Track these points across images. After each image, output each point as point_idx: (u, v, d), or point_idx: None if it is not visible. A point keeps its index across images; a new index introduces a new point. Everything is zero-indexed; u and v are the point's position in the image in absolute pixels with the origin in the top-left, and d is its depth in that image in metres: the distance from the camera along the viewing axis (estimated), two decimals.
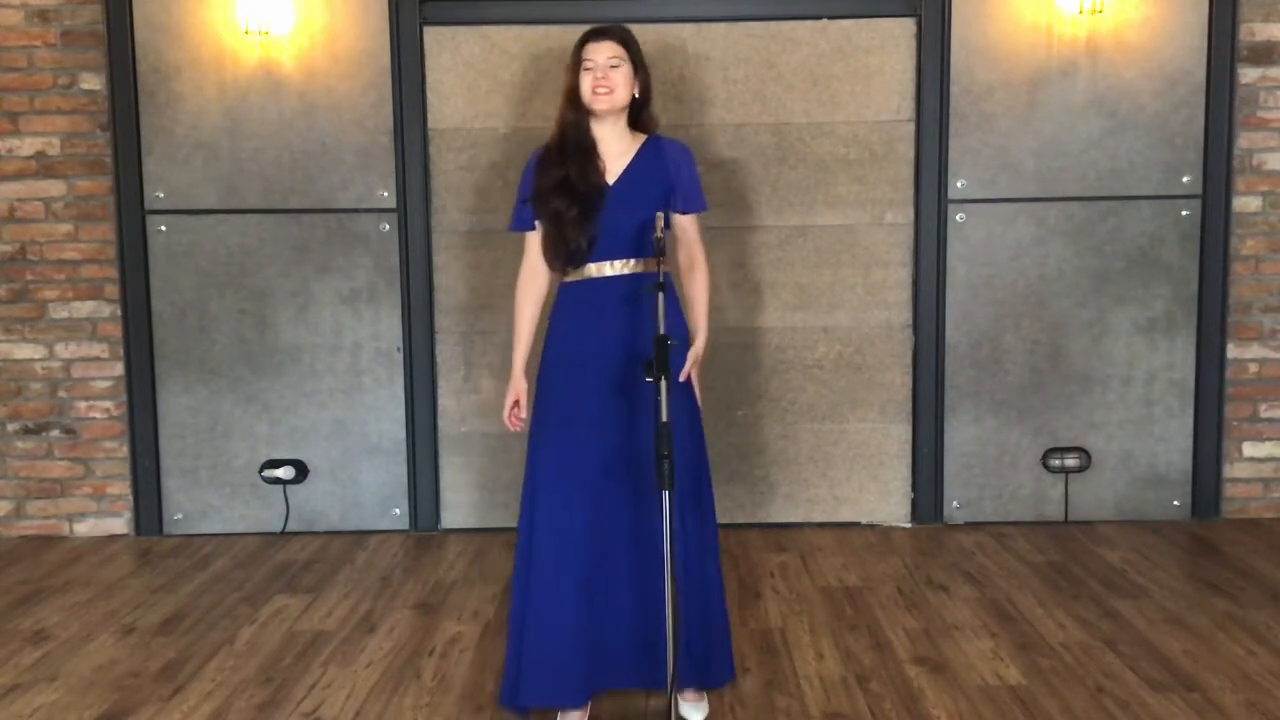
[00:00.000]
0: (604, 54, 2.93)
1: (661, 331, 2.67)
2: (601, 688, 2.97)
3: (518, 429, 3.08)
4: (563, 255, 2.96)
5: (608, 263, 2.93)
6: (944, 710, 3.03)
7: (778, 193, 4.60)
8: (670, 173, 3.00)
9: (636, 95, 2.99)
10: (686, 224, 3.06)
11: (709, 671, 3.01)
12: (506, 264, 4.65)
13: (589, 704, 2.98)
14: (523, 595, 2.91)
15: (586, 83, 2.93)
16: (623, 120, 3.00)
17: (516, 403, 3.07)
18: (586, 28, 4.47)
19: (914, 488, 4.75)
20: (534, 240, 3.05)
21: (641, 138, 3.03)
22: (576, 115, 2.96)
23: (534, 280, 3.08)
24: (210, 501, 4.75)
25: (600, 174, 2.95)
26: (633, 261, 2.95)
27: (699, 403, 3.03)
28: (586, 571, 2.86)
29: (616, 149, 2.99)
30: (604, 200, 2.92)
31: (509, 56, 4.59)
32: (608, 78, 2.92)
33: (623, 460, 2.88)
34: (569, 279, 3.01)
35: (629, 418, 2.90)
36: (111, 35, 4.52)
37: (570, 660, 2.87)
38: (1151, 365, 4.68)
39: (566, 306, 3.01)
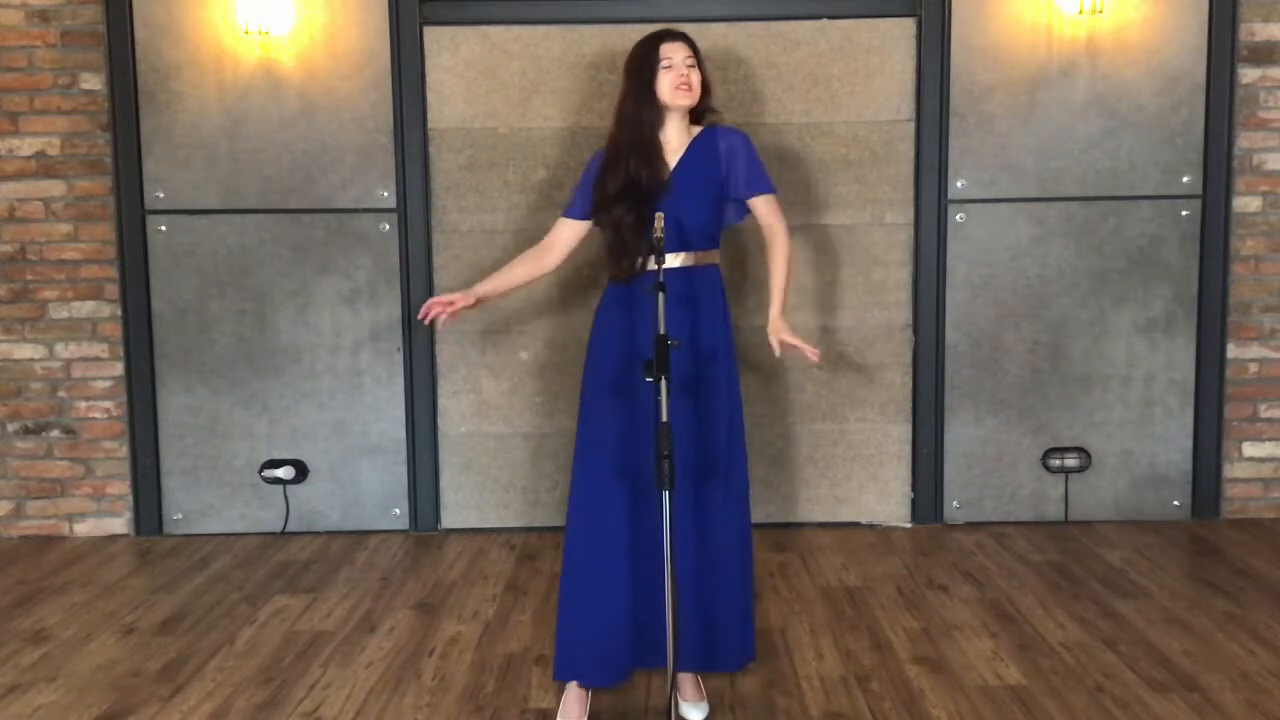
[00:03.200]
0: (682, 54, 3.02)
1: (662, 331, 2.67)
2: (643, 666, 3.02)
3: (425, 317, 3.19)
4: (624, 259, 2.99)
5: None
6: (944, 710, 3.03)
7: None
8: (723, 162, 3.05)
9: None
10: (761, 206, 3.12)
11: (745, 652, 3.08)
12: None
13: (589, 699, 2.99)
14: (568, 577, 2.99)
15: (667, 80, 3.00)
16: (686, 117, 3.08)
17: (451, 303, 3.16)
18: (588, 29, 4.55)
19: (914, 488, 4.75)
20: (565, 226, 3.16)
21: (697, 130, 3.09)
22: (654, 115, 3.01)
23: (541, 254, 3.21)
24: (210, 501, 4.75)
25: (668, 171, 3.01)
26: (683, 255, 2.99)
27: (739, 386, 3.11)
28: (636, 564, 2.91)
29: (675, 144, 3.05)
30: (660, 198, 2.96)
31: (509, 56, 4.59)
32: (688, 77, 3.00)
33: (686, 460, 2.90)
34: (626, 274, 3.02)
35: (688, 417, 2.93)
36: (111, 35, 4.53)
37: (609, 639, 2.93)
38: (1151, 365, 4.68)
39: (616, 311, 3.04)
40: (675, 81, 2.99)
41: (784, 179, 4.60)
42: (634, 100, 3.03)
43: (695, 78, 3.02)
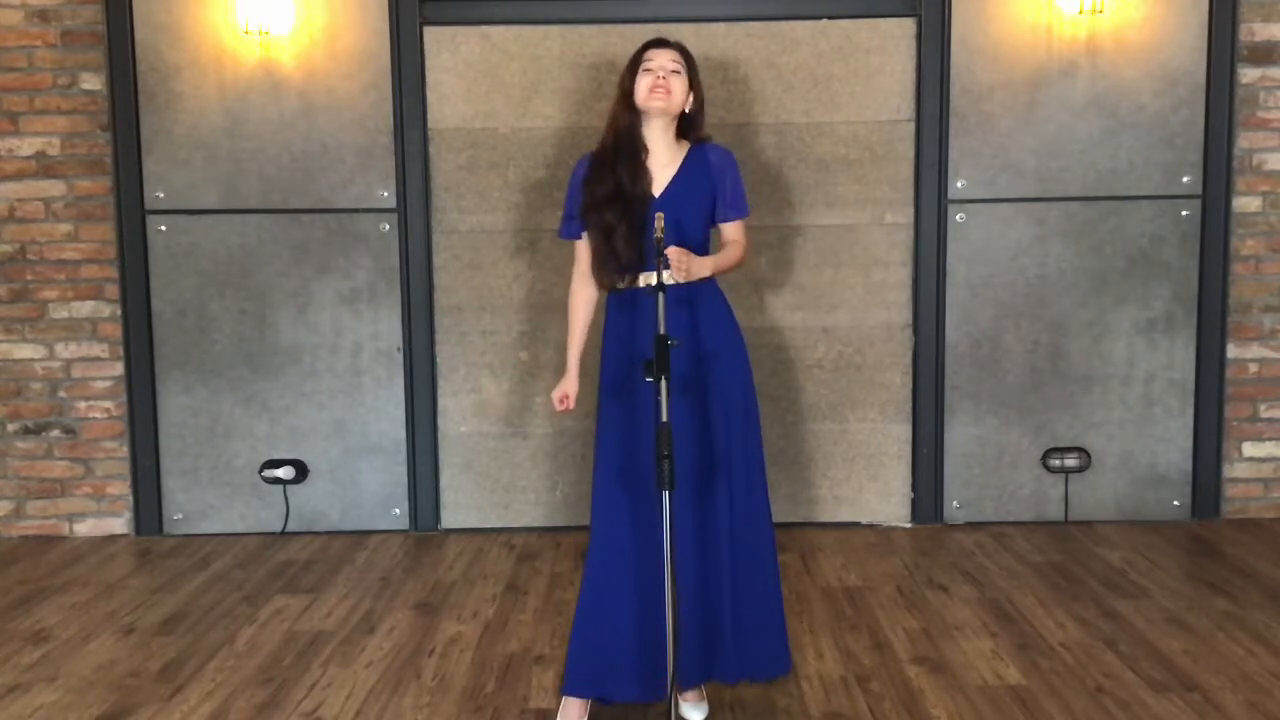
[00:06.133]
0: (665, 58, 2.98)
1: (662, 331, 2.67)
2: (663, 685, 2.79)
3: (560, 410, 3.16)
4: (614, 270, 2.96)
5: (652, 274, 2.88)
6: (944, 710, 3.03)
7: (778, 193, 4.60)
8: (714, 180, 3.03)
9: (688, 110, 3.02)
10: (732, 230, 3.07)
11: (775, 661, 3.05)
12: (506, 264, 4.66)
13: (589, 703, 2.99)
14: (585, 589, 2.96)
15: (644, 83, 2.96)
16: (672, 129, 3.03)
17: (566, 395, 3.13)
18: (588, 29, 4.56)
19: (914, 488, 4.75)
20: (583, 247, 3.06)
21: (687, 146, 3.05)
22: (631, 118, 2.98)
23: (586, 285, 3.10)
24: (210, 501, 4.75)
25: (649, 181, 2.97)
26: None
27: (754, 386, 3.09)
28: (645, 571, 2.88)
29: (664, 159, 3.01)
30: (650, 211, 2.92)
31: (509, 56, 4.59)
32: (666, 80, 2.95)
33: (689, 461, 2.90)
34: (619, 287, 3.00)
35: (693, 419, 2.93)
36: (111, 35, 4.53)
37: (625, 653, 2.90)
38: (1151, 365, 4.68)
39: (618, 313, 3.02)
40: (651, 84, 2.94)
41: (784, 179, 4.61)
42: (619, 106, 3.01)
43: (676, 83, 2.96)
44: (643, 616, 2.88)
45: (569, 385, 3.13)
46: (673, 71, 2.97)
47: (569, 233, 3.10)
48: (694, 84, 3.03)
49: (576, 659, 2.94)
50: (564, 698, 2.99)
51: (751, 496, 3.00)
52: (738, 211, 3.07)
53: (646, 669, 2.89)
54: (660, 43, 3.03)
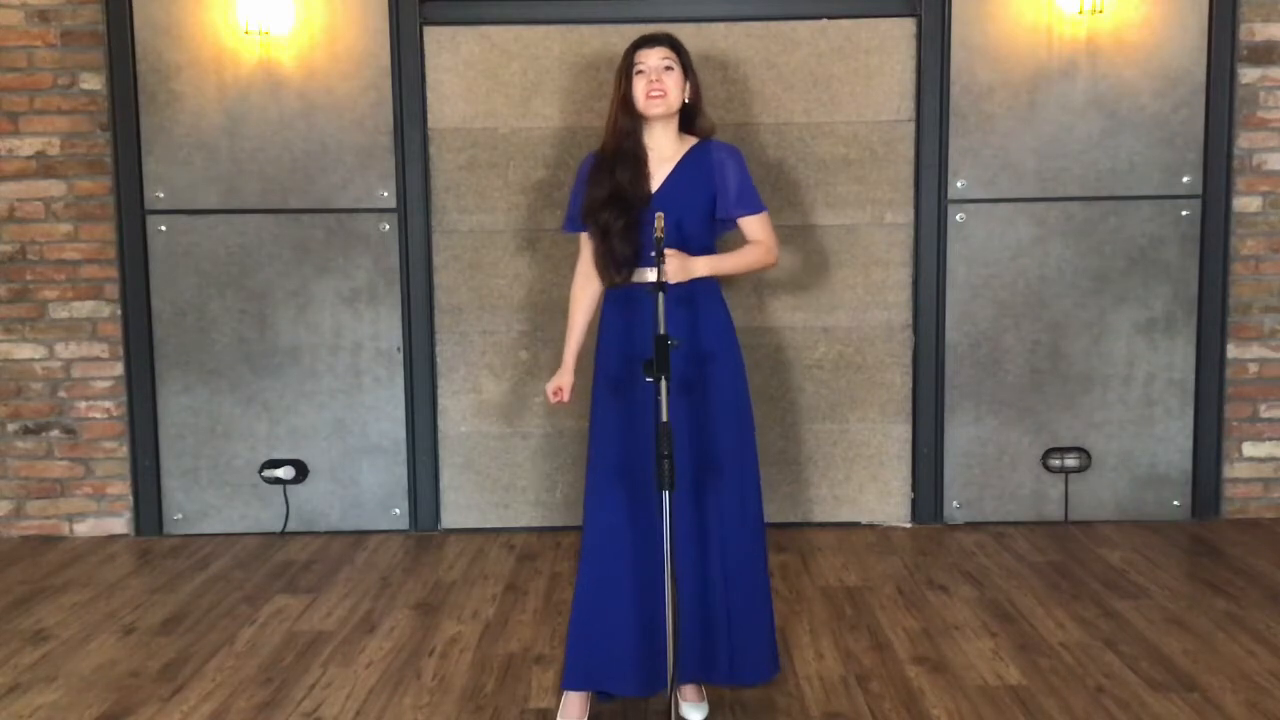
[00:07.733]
0: (655, 57, 2.97)
1: (662, 331, 2.67)
2: (662, 680, 2.84)
3: (554, 402, 3.18)
4: (611, 267, 2.97)
5: (650, 269, 2.89)
6: (944, 710, 3.03)
7: (778, 193, 4.60)
8: (714, 177, 3.01)
9: (687, 100, 3.01)
10: (750, 227, 3.07)
11: (760, 666, 3.03)
12: (506, 264, 4.66)
13: (590, 702, 2.99)
14: (581, 584, 2.96)
15: (640, 87, 2.96)
16: (674, 125, 3.02)
17: (560, 387, 3.13)
18: (588, 29, 4.56)
19: (914, 488, 4.75)
20: (588, 241, 3.07)
21: (691, 141, 3.04)
22: (632, 123, 2.98)
23: (589, 280, 3.10)
24: (210, 501, 4.75)
25: (649, 183, 2.97)
26: None
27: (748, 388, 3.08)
28: (641, 566, 2.88)
29: (665, 154, 3.01)
30: (648, 209, 2.92)
31: (509, 56, 4.59)
32: (661, 81, 2.95)
33: (685, 460, 2.89)
34: (617, 283, 3.01)
35: (688, 418, 2.92)
36: (111, 35, 4.53)
37: (624, 648, 2.90)
38: (1151, 365, 4.68)
39: (615, 311, 3.02)
40: (647, 89, 2.94)
41: (784, 179, 4.61)
42: (617, 108, 3.01)
43: (671, 81, 2.96)
44: (640, 612, 2.89)
45: (564, 378, 3.14)
46: (665, 69, 2.97)
47: (574, 226, 3.11)
48: (688, 73, 3.02)
49: (575, 653, 2.95)
50: (564, 693, 2.99)
51: (745, 506, 2.99)
52: (746, 207, 3.05)
53: (645, 664, 2.90)
54: (649, 41, 3.01)
